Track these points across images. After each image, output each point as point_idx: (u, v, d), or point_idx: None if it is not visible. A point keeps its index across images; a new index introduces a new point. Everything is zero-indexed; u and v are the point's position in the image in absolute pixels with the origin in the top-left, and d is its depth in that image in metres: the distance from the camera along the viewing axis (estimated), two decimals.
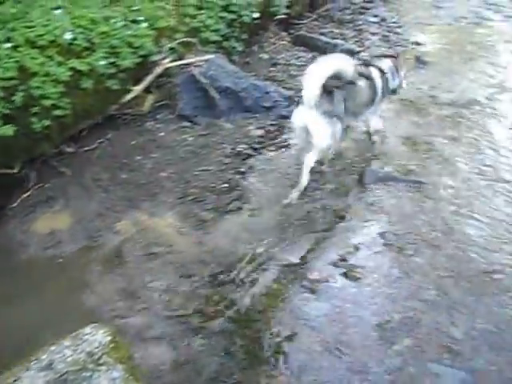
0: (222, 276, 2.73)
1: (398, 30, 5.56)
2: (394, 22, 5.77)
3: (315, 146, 3.02)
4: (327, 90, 2.89)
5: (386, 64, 3.37)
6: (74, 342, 1.71)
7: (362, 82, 3.13)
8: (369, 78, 3.18)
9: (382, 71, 3.30)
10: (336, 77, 2.88)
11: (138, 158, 3.58)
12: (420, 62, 4.81)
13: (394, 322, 2.44)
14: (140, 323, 2.50)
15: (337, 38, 5.22)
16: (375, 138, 3.65)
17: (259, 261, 2.80)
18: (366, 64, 3.34)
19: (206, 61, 3.87)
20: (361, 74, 3.11)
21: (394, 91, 3.47)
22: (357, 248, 2.86)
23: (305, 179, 3.16)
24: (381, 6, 6.27)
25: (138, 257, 2.88)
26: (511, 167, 3.44)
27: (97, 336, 1.75)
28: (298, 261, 2.81)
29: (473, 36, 5.40)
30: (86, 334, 1.76)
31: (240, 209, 3.14)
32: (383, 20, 5.82)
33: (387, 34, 5.47)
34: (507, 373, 2.20)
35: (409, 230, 2.96)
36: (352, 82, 3.00)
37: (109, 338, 1.76)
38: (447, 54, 5.00)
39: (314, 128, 2.95)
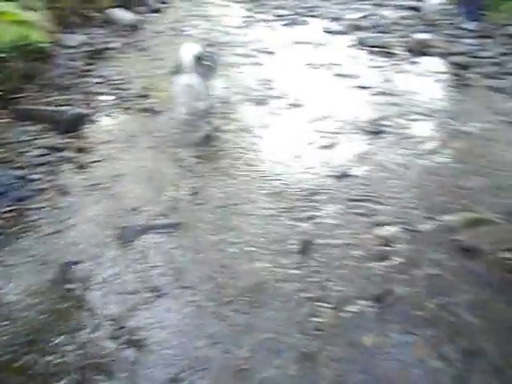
0: None
1: (124, 86, 5.74)
2: (118, 79, 5.94)
3: (198, 96, 4.50)
4: (198, 61, 4.46)
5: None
6: None
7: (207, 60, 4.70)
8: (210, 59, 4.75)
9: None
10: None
11: None
12: (148, 110, 5.13)
13: (186, 371, 2.41)
14: None
15: (64, 105, 5.09)
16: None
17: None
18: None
19: None
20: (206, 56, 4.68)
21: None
22: (133, 309, 2.76)
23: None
24: (102, 66, 6.39)
25: None
26: (269, 189, 3.81)
27: None
28: (80, 352, 2.54)
29: None
30: None
31: None
32: (108, 79, 5.94)
33: (114, 91, 5.59)
34: (291, 371, 2.39)
35: (179, 274, 3.00)
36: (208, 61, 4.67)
37: None
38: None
39: (195, 84, 4.44)
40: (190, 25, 8.35)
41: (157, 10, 9.33)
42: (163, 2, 9.81)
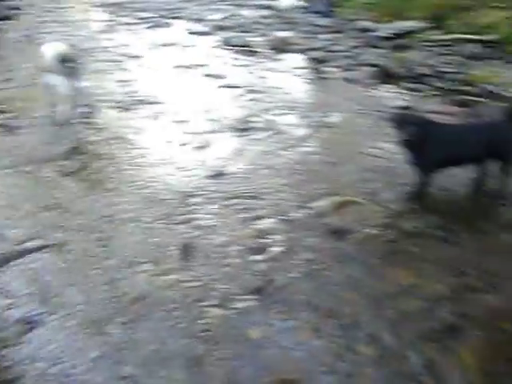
0: None
1: None
2: None
3: (61, 93, 4.53)
4: (63, 61, 4.48)
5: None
6: None
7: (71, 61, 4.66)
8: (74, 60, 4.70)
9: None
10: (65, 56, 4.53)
11: None
12: (4, 126, 4.72)
13: None
14: None
15: None
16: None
17: None
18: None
19: None
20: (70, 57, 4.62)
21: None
22: (5, 346, 2.52)
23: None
24: None
25: None
26: (144, 196, 3.72)
27: None
28: None
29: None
30: None
31: None
32: None
33: None
34: (180, 379, 2.35)
35: (53, 298, 2.79)
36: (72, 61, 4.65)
37: None
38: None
39: (59, 83, 4.48)
40: (49, 31, 7.84)
41: (8, 17, 8.61)
42: (15, 8, 9.08)
